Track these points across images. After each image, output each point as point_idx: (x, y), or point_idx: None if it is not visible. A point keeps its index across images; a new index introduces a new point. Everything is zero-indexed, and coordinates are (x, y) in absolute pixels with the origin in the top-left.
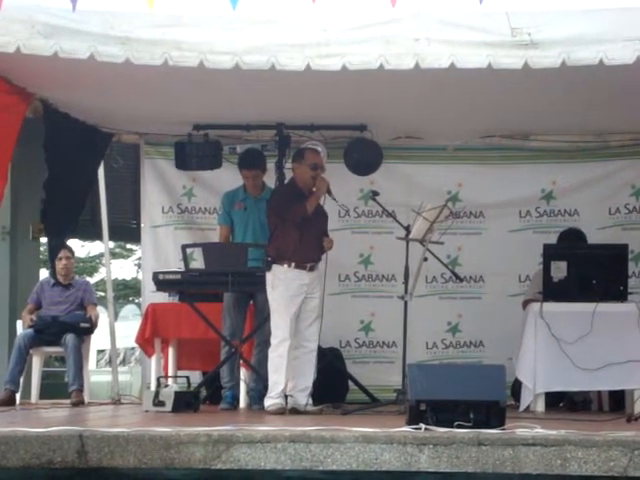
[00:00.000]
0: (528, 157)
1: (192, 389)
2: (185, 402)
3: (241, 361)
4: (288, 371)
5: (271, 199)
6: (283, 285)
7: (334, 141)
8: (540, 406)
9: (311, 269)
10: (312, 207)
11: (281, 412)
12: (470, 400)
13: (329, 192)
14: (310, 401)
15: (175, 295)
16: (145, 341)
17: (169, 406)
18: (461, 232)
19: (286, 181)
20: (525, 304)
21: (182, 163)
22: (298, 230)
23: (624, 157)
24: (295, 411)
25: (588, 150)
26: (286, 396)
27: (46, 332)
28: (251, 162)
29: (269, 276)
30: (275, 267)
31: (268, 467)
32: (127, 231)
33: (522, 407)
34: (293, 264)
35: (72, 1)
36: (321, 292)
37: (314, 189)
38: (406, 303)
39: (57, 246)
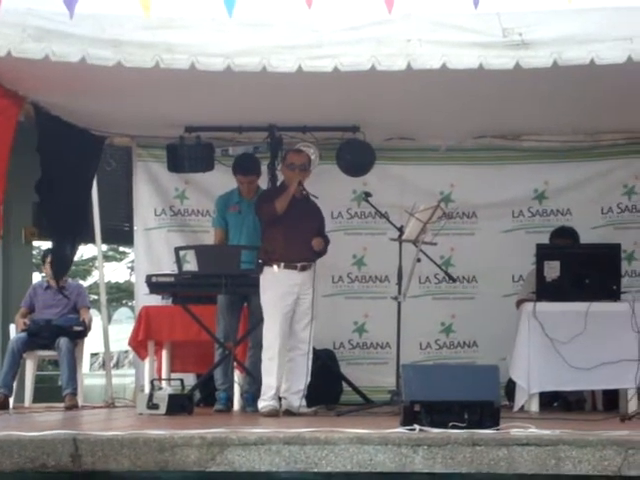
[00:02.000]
0: (520, 157)
1: (186, 392)
2: (179, 405)
3: (235, 363)
4: (280, 373)
5: (259, 198)
6: (273, 286)
7: (326, 142)
8: (534, 406)
9: (302, 269)
10: (281, 205)
11: (274, 414)
12: (464, 400)
13: (301, 187)
14: (304, 403)
15: (168, 298)
16: (138, 344)
17: (163, 409)
18: (454, 233)
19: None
20: (519, 304)
21: (174, 165)
22: (284, 230)
23: (616, 156)
24: (289, 413)
25: (580, 150)
26: (280, 398)
27: (39, 336)
28: (246, 168)
29: (261, 278)
30: (265, 269)
31: (262, 469)
32: (120, 234)
33: (516, 407)
34: (282, 264)
35: (69, 8)
36: (313, 293)
37: (290, 185)
38: (399, 304)
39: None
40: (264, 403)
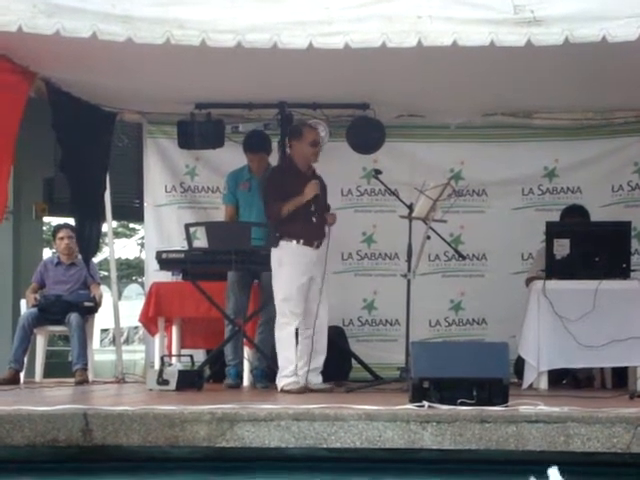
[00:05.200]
0: (531, 135)
1: (196, 367)
2: (189, 380)
3: (244, 339)
4: (297, 348)
5: (266, 183)
6: (291, 262)
7: (336, 120)
8: (543, 383)
9: (317, 247)
10: (288, 211)
11: (302, 391)
12: (473, 378)
13: (316, 198)
14: (320, 379)
15: (178, 274)
16: (149, 320)
17: (173, 384)
18: (464, 210)
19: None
20: (528, 282)
21: (185, 142)
22: (302, 209)
23: (627, 134)
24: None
25: (591, 127)
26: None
27: (50, 311)
28: (256, 145)
29: (276, 252)
30: (283, 243)
31: (272, 445)
32: (130, 210)
33: (525, 385)
34: (302, 241)
35: None
36: (324, 270)
37: (305, 193)
38: (409, 281)
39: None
40: (286, 380)
